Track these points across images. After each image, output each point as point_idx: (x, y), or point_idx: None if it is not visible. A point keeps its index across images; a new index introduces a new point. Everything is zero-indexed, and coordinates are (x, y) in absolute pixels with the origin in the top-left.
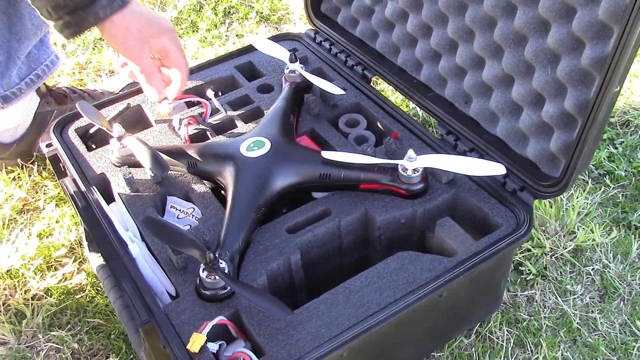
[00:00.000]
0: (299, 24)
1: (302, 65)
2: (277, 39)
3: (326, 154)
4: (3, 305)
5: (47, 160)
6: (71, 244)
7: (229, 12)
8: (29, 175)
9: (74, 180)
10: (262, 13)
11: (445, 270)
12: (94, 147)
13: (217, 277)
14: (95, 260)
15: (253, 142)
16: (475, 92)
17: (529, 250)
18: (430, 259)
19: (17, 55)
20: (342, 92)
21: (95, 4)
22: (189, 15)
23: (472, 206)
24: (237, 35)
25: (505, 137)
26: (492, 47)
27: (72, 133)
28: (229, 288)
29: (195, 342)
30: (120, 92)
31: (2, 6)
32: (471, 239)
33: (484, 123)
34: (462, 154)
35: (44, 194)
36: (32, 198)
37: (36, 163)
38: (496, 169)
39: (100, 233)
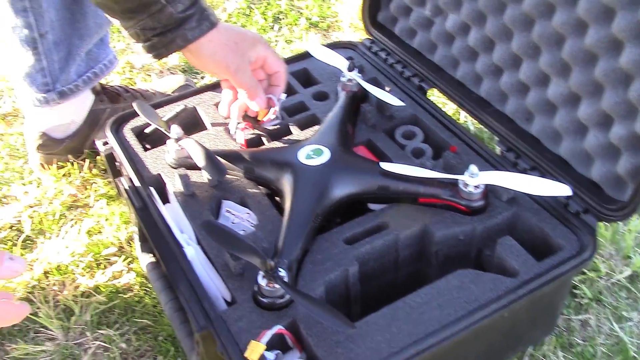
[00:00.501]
0: (348, 31)
1: (360, 75)
2: (333, 46)
3: (385, 166)
4: (52, 300)
5: (103, 157)
6: (120, 242)
7: (278, 17)
8: (79, 172)
9: (130, 180)
10: (311, 19)
11: (507, 290)
12: (148, 147)
13: (276, 286)
14: (147, 260)
15: (312, 150)
16: (539, 109)
17: (584, 273)
18: (492, 278)
19: (78, 52)
20: (402, 103)
21: (183, 26)
22: (239, 19)
23: (533, 226)
24: (286, 40)
25: (568, 157)
26: (559, 64)
27: (127, 132)
28: (287, 297)
29: (254, 350)
30: (175, 94)
31: (67, 3)
32: (533, 260)
33: (546, 141)
34: (523, 172)
35: (94, 191)
36: (82, 195)
37: (87, 160)
38: (561, 189)
39: (156, 234)
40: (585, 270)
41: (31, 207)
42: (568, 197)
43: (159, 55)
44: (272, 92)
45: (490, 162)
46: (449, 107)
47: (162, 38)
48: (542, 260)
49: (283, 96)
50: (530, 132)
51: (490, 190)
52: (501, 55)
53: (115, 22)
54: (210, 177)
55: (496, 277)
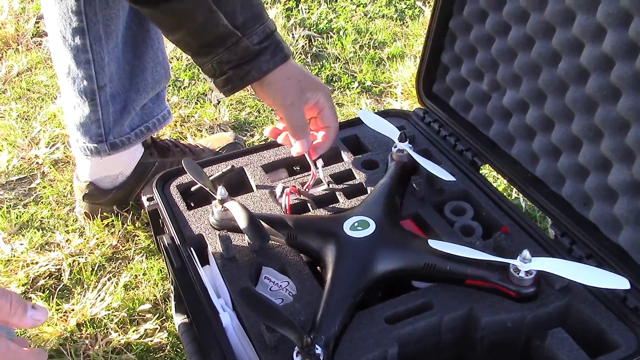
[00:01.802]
0: (400, 98)
1: (410, 146)
2: (385, 114)
3: (434, 244)
4: (83, 354)
5: (147, 213)
6: (156, 299)
7: (332, 79)
8: (123, 224)
9: (172, 238)
10: (364, 84)
11: None
12: (193, 205)
13: None
14: (180, 321)
15: (357, 221)
16: (598, 195)
17: None
18: None
19: (133, 106)
20: (453, 178)
21: (259, 58)
22: None
23: (587, 319)
24: (337, 103)
25: (628, 248)
26: (621, 150)
27: (173, 189)
28: None
29: None
30: (224, 152)
31: (128, 57)
32: (587, 356)
33: (604, 229)
34: (578, 260)
35: (135, 244)
36: (123, 247)
37: (131, 212)
38: (619, 282)
39: (191, 296)
40: None
41: (72, 255)
42: (626, 291)
43: (233, 89)
44: (316, 147)
45: (544, 246)
46: (500, 182)
47: (237, 70)
48: (596, 357)
49: (320, 163)
50: (588, 218)
51: (542, 277)
52: (560, 136)
53: (192, 58)
54: (252, 242)
55: None
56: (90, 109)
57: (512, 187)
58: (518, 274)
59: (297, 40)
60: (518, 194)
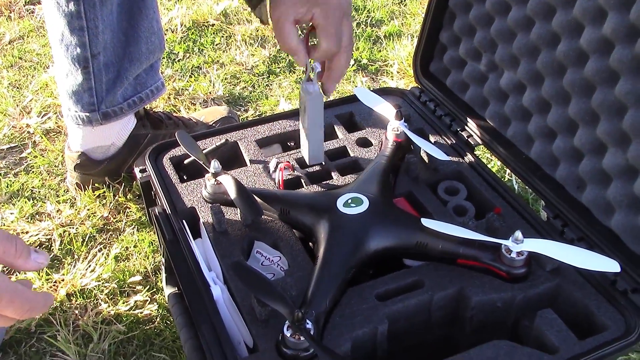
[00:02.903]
0: (397, 77)
1: (406, 124)
2: (381, 92)
3: (426, 222)
4: (72, 324)
5: (139, 185)
6: (147, 271)
7: None
8: (114, 196)
9: (164, 210)
10: (360, 62)
11: None
12: (185, 178)
13: (301, 338)
14: (171, 294)
15: (351, 198)
16: (592, 178)
17: (627, 354)
18: (529, 353)
19: (126, 75)
20: (447, 157)
21: None
22: (287, 55)
23: (576, 301)
24: None
25: (620, 231)
26: (617, 134)
27: (166, 161)
28: (312, 350)
29: None
30: (218, 126)
31: (123, 26)
32: (575, 338)
33: (596, 212)
34: (569, 242)
35: (126, 216)
36: (114, 218)
37: (123, 183)
38: (609, 265)
39: (183, 269)
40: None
41: (62, 226)
42: (616, 274)
43: (253, 6)
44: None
45: (536, 228)
46: (494, 163)
47: None
48: (584, 339)
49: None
50: (581, 201)
51: (533, 258)
52: (556, 118)
53: None
54: (244, 216)
55: (533, 352)
56: (83, 77)
57: (505, 168)
58: (509, 254)
59: None
60: (511, 176)
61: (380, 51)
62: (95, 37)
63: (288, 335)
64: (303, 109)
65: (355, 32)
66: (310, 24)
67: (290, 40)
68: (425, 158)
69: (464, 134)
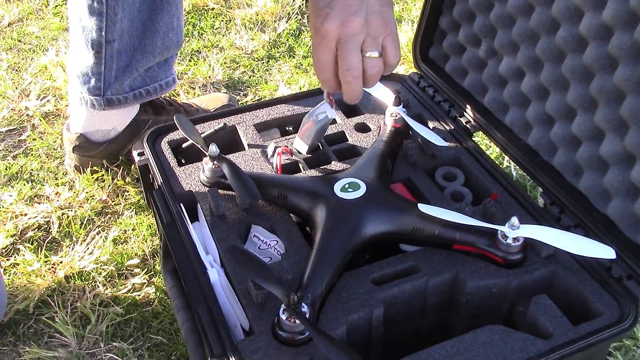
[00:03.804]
0: None
1: (404, 110)
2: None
3: (423, 208)
4: (70, 306)
5: (137, 168)
6: (144, 254)
7: None
8: (113, 179)
9: (162, 194)
10: None
11: (538, 353)
12: (183, 162)
13: (297, 321)
14: (168, 277)
15: (348, 183)
16: (589, 165)
17: (621, 340)
18: (522, 337)
19: (137, 66)
20: (445, 143)
21: None
22: (287, 40)
23: (571, 287)
24: None
25: (616, 219)
26: (616, 121)
27: (164, 145)
28: (307, 333)
29: None
30: (217, 111)
31: (143, 18)
32: (569, 323)
33: (593, 199)
34: (566, 229)
35: (125, 199)
36: (112, 202)
37: (121, 167)
38: (605, 251)
39: (180, 252)
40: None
41: (61, 208)
42: (612, 261)
43: None
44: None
45: (532, 214)
46: (492, 150)
47: None
48: (578, 324)
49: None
50: (578, 188)
51: (529, 244)
52: (555, 105)
53: None
54: (242, 200)
55: (527, 337)
56: (94, 61)
57: (504, 155)
58: (505, 240)
59: (294, 0)
60: (509, 162)
61: None
62: (112, 23)
63: (284, 318)
64: (315, 124)
65: None
66: None
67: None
68: (424, 144)
69: (463, 120)
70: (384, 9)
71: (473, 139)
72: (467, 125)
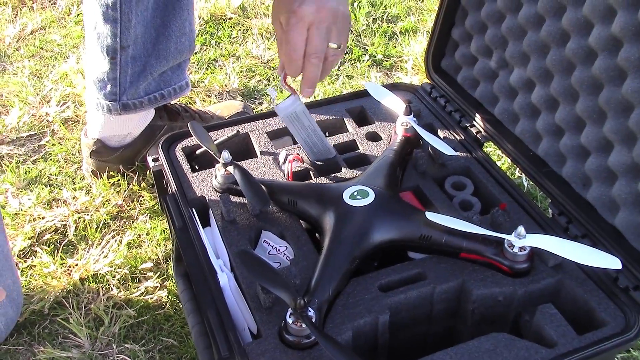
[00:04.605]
0: (411, 72)
1: (415, 119)
2: (392, 87)
3: (431, 216)
4: (84, 308)
5: (151, 173)
6: (158, 258)
7: None
8: (128, 184)
9: (175, 199)
10: (375, 57)
11: None
12: (197, 168)
13: (303, 325)
14: (180, 280)
15: (357, 190)
16: (597, 176)
17: (629, 351)
18: (526, 346)
19: (151, 71)
20: (455, 153)
21: None
22: None
23: (577, 296)
24: (347, 75)
25: (623, 229)
26: (624, 132)
27: (179, 151)
28: (314, 337)
29: None
30: (230, 119)
31: (156, 23)
32: (574, 332)
33: (601, 210)
34: (573, 239)
35: (140, 204)
36: (128, 206)
37: (137, 172)
38: (611, 262)
39: (191, 256)
40: (631, 348)
41: (78, 212)
42: (618, 271)
43: None
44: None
45: (540, 224)
46: (504, 160)
47: None
48: (583, 334)
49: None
50: (586, 198)
51: (536, 254)
52: (564, 116)
53: None
54: (252, 206)
55: (532, 345)
56: (109, 67)
57: (515, 166)
58: (512, 249)
59: None
60: (521, 174)
61: (395, 47)
62: (127, 30)
63: (290, 322)
64: (292, 123)
65: (371, 28)
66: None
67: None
68: (434, 154)
69: (473, 130)
70: (347, 10)
71: (484, 149)
72: (478, 136)
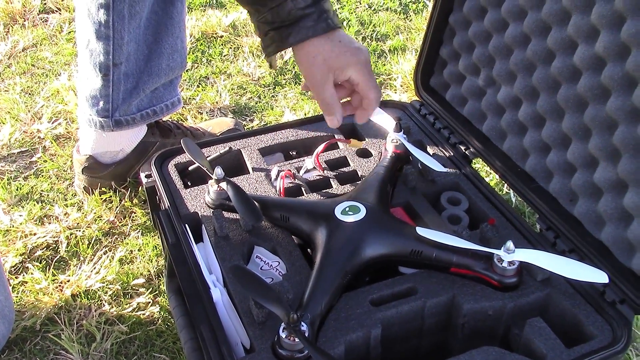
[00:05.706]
0: (400, 90)
1: (405, 136)
2: (382, 105)
3: (421, 231)
4: (76, 324)
5: (144, 190)
6: (150, 274)
7: None
8: (120, 200)
9: (168, 215)
10: None
11: None
12: (190, 184)
13: (296, 339)
14: (172, 296)
15: (349, 206)
16: (583, 192)
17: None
18: (516, 359)
19: (144, 88)
20: (445, 169)
21: (300, 24)
22: (293, 67)
23: (565, 310)
24: None
25: (610, 244)
26: (609, 149)
27: (171, 167)
28: (307, 352)
29: None
30: (222, 135)
31: (149, 40)
32: (562, 346)
33: (588, 225)
34: (561, 254)
35: (132, 220)
36: (119, 222)
37: (129, 189)
38: (598, 276)
39: (184, 271)
40: None
41: (69, 228)
42: (605, 285)
43: (272, 51)
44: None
45: (528, 239)
46: (492, 177)
47: (277, 33)
48: (572, 347)
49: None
50: (573, 214)
51: (524, 268)
52: (550, 133)
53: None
54: (245, 221)
55: (522, 359)
56: (101, 84)
57: (503, 182)
58: (501, 263)
59: None
60: (509, 189)
61: (384, 65)
62: (119, 47)
63: (283, 336)
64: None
65: None
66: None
67: (335, 101)
68: (424, 170)
69: (462, 146)
70: None
71: (473, 165)
72: (467, 152)
